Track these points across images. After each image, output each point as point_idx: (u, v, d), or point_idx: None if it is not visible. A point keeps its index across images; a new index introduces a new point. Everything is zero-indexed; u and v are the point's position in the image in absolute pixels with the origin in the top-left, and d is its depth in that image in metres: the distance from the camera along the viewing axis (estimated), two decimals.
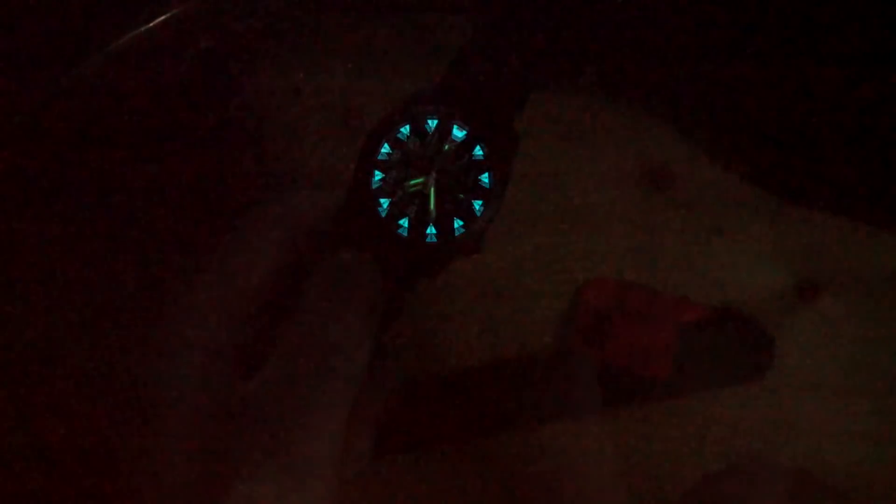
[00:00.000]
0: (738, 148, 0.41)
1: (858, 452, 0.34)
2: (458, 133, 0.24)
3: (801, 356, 0.36)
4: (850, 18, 0.36)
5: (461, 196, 0.23)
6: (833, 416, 0.35)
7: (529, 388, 0.36)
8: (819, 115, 0.39)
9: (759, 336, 0.37)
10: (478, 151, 0.24)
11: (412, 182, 0.23)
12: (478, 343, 0.36)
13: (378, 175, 0.23)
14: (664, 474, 0.35)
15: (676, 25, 0.39)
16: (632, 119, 0.41)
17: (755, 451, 0.34)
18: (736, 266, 0.38)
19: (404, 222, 0.23)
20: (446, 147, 0.23)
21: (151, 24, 0.36)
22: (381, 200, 0.23)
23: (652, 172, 0.41)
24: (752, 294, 0.38)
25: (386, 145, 0.23)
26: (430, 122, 0.24)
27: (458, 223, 0.23)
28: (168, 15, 0.36)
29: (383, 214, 0.23)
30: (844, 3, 0.36)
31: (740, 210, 0.40)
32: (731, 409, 0.35)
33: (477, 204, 0.23)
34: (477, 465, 0.34)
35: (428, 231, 0.23)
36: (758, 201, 0.40)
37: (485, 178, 0.23)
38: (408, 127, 0.24)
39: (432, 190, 0.23)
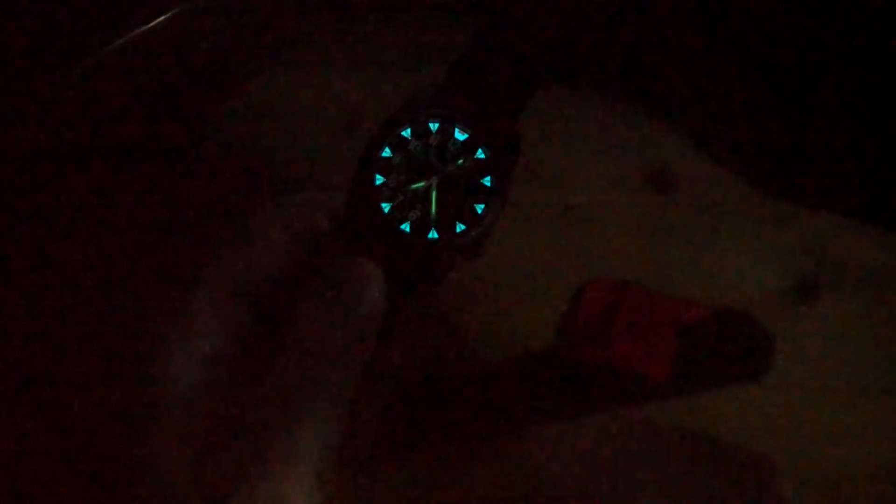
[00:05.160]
0: (739, 149, 0.41)
1: (859, 452, 0.34)
2: (460, 135, 0.23)
3: (801, 356, 0.36)
4: (850, 19, 0.36)
5: (463, 199, 0.23)
6: (833, 416, 0.35)
7: (530, 389, 0.36)
8: (819, 115, 0.39)
9: (759, 336, 0.37)
10: (480, 154, 0.23)
11: (414, 185, 0.23)
12: (478, 344, 0.36)
13: (379, 178, 0.23)
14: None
15: (678, 28, 0.39)
16: (633, 121, 0.41)
17: (755, 451, 0.34)
18: (736, 266, 0.38)
19: (406, 226, 0.23)
20: (448, 149, 0.23)
21: (151, 24, 0.36)
22: (383, 204, 0.23)
23: (653, 173, 0.41)
24: (752, 294, 0.38)
25: (387, 148, 0.23)
26: (431, 124, 0.23)
27: (460, 226, 0.23)
28: (168, 15, 0.36)
29: (385, 218, 0.23)
30: (844, 4, 0.36)
31: (740, 210, 0.40)
32: (732, 410, 0.35)
33: (479, 207, 0.23)
34: (477, 465, 0.34)
35: (430, 234, 0.23)
36: (758, 202, 0.40)
37: (487, 180, 0.23)
38: (409, 129, 0.23)
39: (434, 193, 0.23)
